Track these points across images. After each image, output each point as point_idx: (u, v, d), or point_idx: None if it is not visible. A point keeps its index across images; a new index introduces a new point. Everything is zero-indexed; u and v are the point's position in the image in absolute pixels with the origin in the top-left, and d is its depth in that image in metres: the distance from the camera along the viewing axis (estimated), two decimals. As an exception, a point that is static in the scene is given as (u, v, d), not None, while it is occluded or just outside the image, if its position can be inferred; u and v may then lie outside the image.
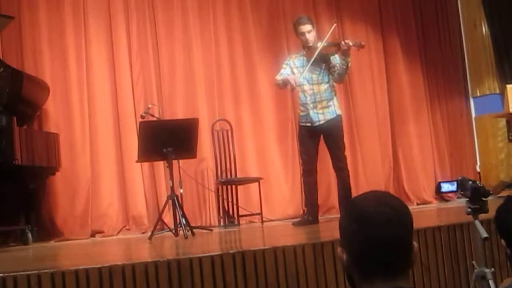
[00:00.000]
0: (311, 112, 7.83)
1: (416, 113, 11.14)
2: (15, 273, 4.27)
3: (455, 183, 4.17)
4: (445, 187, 4.34)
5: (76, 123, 8.81)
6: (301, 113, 7.99)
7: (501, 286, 3.04)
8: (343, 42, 7.64)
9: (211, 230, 8.24)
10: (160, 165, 8.88)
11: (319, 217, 8.14)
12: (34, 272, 4.31)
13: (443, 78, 11.58)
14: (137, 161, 7.81)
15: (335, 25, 8.12)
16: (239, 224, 9.00)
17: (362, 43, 7.86)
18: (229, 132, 9.37)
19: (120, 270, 4.47)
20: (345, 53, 7.68)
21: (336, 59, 7.85)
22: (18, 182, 7.94)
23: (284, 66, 8.06)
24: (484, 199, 4.01)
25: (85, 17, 9.02)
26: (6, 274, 4.26)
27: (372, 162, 10.54)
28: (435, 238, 5.60)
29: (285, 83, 7.86)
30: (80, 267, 4.44)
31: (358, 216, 1.99)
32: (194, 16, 9.63)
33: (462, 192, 4.14)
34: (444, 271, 5.60)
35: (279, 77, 7.94)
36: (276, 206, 9.70)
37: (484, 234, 3.97)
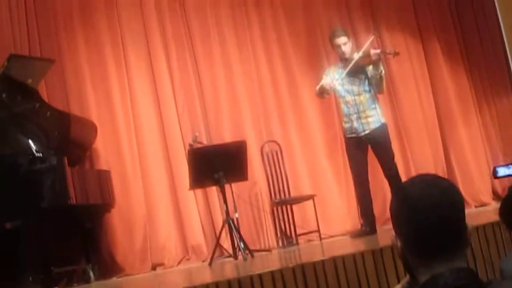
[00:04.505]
0: (355, 123, 7.82)
1: (464, 115, 11.04)
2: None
3: (511, 166, 4.14)
4: (501, 171, 4.32)
5: (126, 159, 8.80)
6: (345, 125, 7.99)
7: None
8: (372, 52, 7.60)
9: (270, 251, 8.21)
10: (213, 192, 8.87)
11: (377, 228, 8.08)
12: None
13: (488, 78, 11.46)
14: (189, 189, 7.84)
15: (372, 37, 8.07)
16: (297, 243, 8.92)
17: (397, 51, 7.84)
18: (279, 152, 9.34)
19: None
20: (375, 63, 7.66)
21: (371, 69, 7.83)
22: (75, 222, 7.97)
23: (324, 77, 8.06)
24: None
25: (125, 54, 9.03)
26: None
27: (425, 168, 10.39)
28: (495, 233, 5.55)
29: (321, 91, 7.88)
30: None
31: (406, 200, 1.98)
32: (231, 41, 9.66)
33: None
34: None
35: (317, 87, 7.96)
36: (333, 222, 9.57)
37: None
